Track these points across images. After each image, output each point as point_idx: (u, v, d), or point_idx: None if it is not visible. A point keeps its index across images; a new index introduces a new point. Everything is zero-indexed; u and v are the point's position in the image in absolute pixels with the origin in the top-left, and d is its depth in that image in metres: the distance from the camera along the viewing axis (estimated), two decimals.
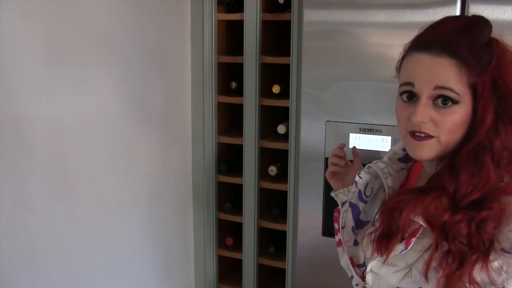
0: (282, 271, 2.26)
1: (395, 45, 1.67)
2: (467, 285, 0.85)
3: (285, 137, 2.14)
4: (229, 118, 2.34)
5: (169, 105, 2.17)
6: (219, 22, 2.20)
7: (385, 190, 1.04)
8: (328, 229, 1.89)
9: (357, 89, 1.75)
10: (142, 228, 2.08)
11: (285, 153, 2.15)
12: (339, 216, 1.17)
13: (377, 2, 1.68)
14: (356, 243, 1.11)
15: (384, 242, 0.93)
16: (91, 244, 1.81)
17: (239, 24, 2.14)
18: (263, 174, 2.24)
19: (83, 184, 1.74)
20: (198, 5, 2.18)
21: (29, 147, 1.53)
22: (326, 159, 1.82)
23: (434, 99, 0.88)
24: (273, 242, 2.32)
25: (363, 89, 1.74)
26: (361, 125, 1.75)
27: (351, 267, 1.12)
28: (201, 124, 2.29)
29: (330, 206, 1.87)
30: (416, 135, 0.90)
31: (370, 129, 1.75)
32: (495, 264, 0.84)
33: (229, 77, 2.28)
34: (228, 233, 2.40)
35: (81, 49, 1.68)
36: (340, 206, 1.21)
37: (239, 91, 2.22)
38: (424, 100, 0.88)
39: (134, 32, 1.91)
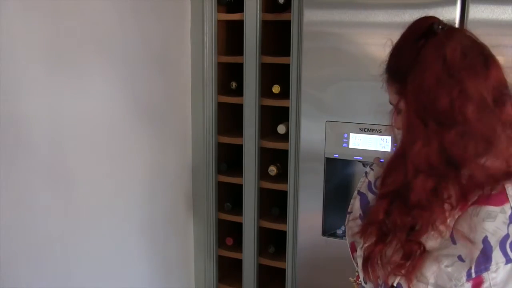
0: (282, 271, 2.25)
1: None
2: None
3: (285, 137, 2.14)
4: (229, 118, 2.34)
5: (169, 105, 2.17)
6: (219, 22, 2.20)
7: None
8: (328, 229, 1.89)
9: (357, 89, 1.75)
10: (142, 228, 2.08)
11: (285, 153, 2.15)
12: None
13: (377, 2, 1.67)
14: None
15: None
16: (90, 244, 1.81)
17: (239, 24, 2.14)
18: (263, 174, 2.24)
19: (83, 184, 1.74)
20: (198, 5, 2.18)
21: (29, 147, 1.53)
22: (326, 159, 1.82)
23: None
24: (273, 242, 2.32)
25: (363, 89, 1.74)
26: (361, 125, 1.75)
27: (350, 252, 1.15)
28: (201, 124, 2.29)
29: (330, 206, 1.87)
30: None
31: (370, 129, 1.75)
32: (448, 270, 0.86)
33: (229, 77, 2.27)
34: (228, 233, 2.40)
35: (81, 49, 1.68)
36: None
37: (239, 91, 2.22)
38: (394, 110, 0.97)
39: (134, 32, 1.91)
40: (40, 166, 1.58)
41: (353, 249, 1.13)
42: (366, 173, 1.14)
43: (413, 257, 0.88)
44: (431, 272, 0.87)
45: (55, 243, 1.66)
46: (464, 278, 0.84)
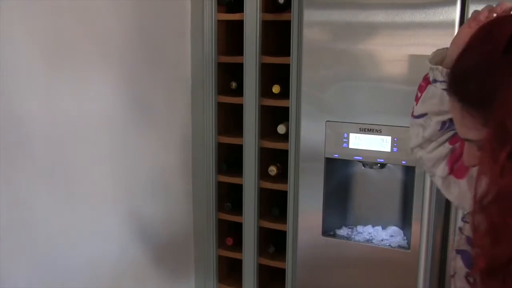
0: (282, 271, 2.25)
1: (395, 45, 1.69)
2: None
3: (285, 137, 2.14)
4: (229, 118, 2.34)
5: (169, 105, 2.17)
6: (219, 22, 2.20)
7: None
8: (328, 229, 1.89)
9: (357, 89, 1.75)
10: (142, 228, 2.08)
11: (285, 153, 2.15)
12: (425, 87, 1.09)
13: (377, 2, 1.67)
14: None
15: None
16: (91, 244, 1.81)
17: (239, 24, 2.14)
18: (263, 174, 2.24)
19: (83, 184, 1.75)
20: (198, 5, 2.18)
21: (29, 147, 1.53)
22: (326, 159, 1.82)
23: None
24: (273, 242, 2.32)
25: (363, 89, 1.74)
26: (361, 125, 1.75)
27: None
28: (201, 124, 2.29)
29: (330, 206, 1.87)
30: None
31: (370, 129, 1.75)
32: None
33: (229, 77, 2.27)
34: (228, 233, 2.40)
35: (81, 49, 1.68)
36: (431, 79, 1.08)
37: (239, 91, 2.22)
38: (466, 144, 0.83)
39: (134, 32, 1.91)
40: (40, 166, 1.58)
41: None
42: (460, 228, 1.00)
43: None
44: None
45: (55, 243, 1.66)
46: None
